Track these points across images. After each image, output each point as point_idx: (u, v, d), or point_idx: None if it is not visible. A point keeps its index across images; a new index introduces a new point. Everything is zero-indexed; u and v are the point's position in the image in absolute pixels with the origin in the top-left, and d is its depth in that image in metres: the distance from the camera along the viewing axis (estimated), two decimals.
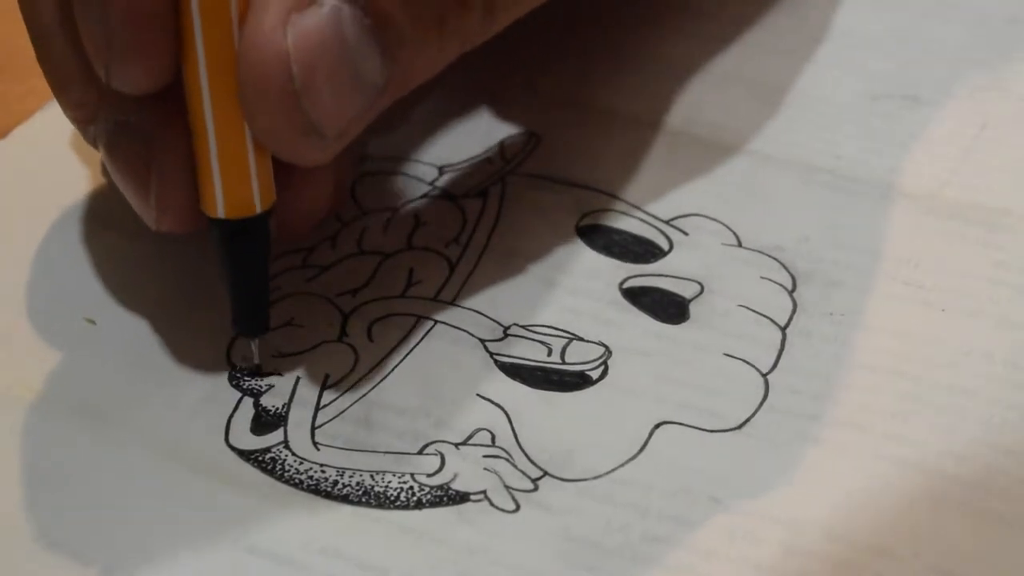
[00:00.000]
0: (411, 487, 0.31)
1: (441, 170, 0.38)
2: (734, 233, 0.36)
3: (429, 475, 0.31)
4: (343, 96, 0.30)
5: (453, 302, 0.35)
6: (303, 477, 0.31)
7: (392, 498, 0.31)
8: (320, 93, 0.30)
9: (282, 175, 0.32)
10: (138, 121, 0.32)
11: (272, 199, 0.32)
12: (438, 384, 0.33)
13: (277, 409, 0.33)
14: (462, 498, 0.31)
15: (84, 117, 0.33)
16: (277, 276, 0.35)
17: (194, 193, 0.32)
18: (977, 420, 0.32)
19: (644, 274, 0.35)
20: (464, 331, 0.34)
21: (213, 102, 0.30)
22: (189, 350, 0.34)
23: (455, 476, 0.31)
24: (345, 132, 0.31)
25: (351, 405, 0.33)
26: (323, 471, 0.32)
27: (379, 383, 0.33)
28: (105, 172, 0.37)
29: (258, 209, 0.32)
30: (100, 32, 0.30)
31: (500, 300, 0.35)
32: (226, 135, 0.31)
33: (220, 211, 0.32)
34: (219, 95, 0.30)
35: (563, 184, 0.37)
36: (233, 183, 0.31)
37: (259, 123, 0.30)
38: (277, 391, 0.33)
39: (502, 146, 0.39)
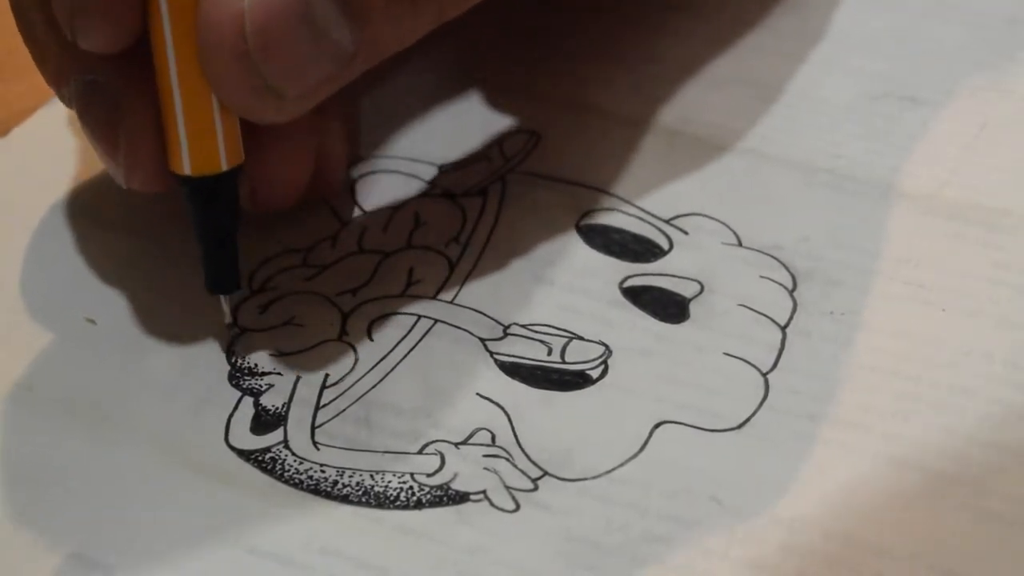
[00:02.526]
0: (411, 487, 0.31)
1: (441, 169, 0.38)
2: (734, 232, 0.36)
3: (429, 475, 0.31)
4: (304, 59, 0.30)
5: (453, 301, 0.35)
6: (303, 477, 0.31)
7: (392, 498, 0.31)
8: (275, 54, 0.30)
9: (251, 139, 0.32)
10: (107, 80, 0.32)
11: (239, 158, 0.32)
12: (438, 383, 0.33)
13: (277, 409, 0.33)
14: (462, 498, 0.31)
15: (58, 79, 0.33)
16: (277, 275, 0.35)
17: (162, 152, 0.32)
18: (977, 420, 0.32)
19: (644, 273, 0.35)
20: (464, 330, 0.34)
21: (177, 60, 0.31)
22: (189, 349, 0.34)
23: (455, 476, 0.31)
24: (308, 95, 0.31)
25: (351, 404, 0.33)
26: (323, 471, 0.32)
27: (379, 383, 0.33)
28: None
29: (224, 167, 0.32)
30: None
31: (500, 299, 0.35)
32: (191, 93, 0.31)
33: (186, 168, 0.32)
34: (183, 53, 0.31)
35: (563, 183, 0.37)
36: (199, 140, 0.32)
37: (214, 79, 0.31)
38: (277, 391, 0.33)
39: (502, 145, 0.39)
